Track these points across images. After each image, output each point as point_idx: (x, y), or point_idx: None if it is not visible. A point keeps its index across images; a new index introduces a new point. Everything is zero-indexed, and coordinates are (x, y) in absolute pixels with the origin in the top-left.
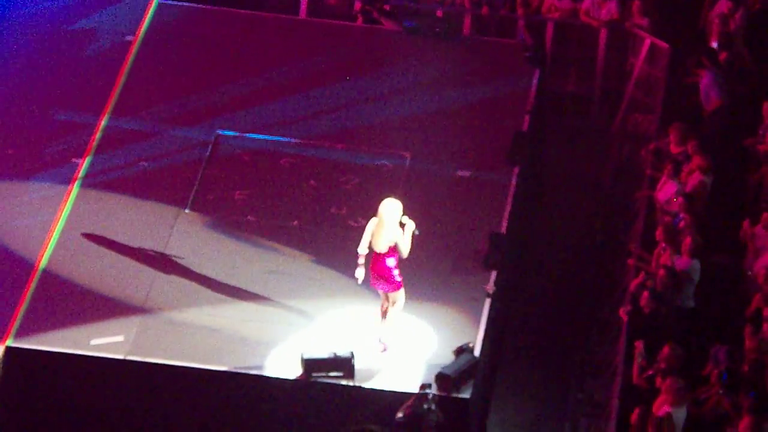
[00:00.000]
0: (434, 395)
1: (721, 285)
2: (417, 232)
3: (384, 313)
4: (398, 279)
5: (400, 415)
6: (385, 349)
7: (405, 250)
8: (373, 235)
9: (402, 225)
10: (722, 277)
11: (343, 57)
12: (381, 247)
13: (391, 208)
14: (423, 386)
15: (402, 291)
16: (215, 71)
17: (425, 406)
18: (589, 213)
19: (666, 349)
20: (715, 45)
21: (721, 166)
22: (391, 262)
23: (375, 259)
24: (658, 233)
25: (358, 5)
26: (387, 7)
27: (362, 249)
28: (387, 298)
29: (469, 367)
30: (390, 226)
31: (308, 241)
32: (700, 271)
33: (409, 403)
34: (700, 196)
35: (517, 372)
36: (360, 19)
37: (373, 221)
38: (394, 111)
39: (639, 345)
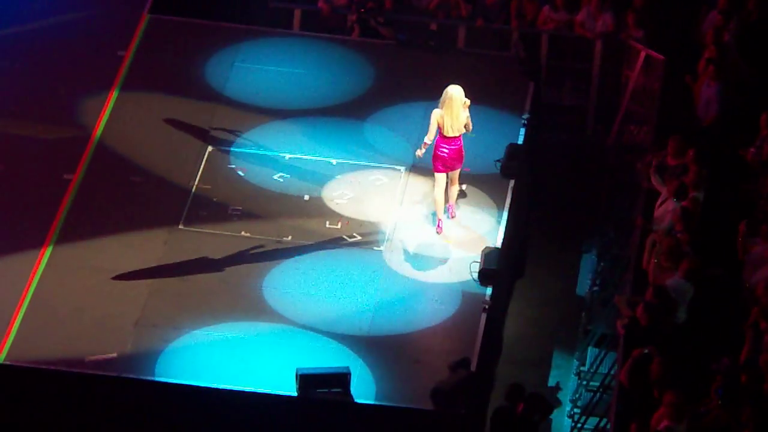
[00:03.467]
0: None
1: (718, 298)
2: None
3: (450, 195)
4: None
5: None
6: (454, 216)
7: (471, 126)
8: (443, 123)
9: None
10: (719, 289)
11: (337, 70)
12: (456, 131)
13: (460, 92)
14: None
15: None
16: (208, 86)
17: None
18: (585, 225)
19: (654, 364)
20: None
21: (717, 178)
22: (460, 141)
23: (449, 142)
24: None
25: (352, 17)
26: (381, 20)
27: (429, 138)
28: (450, 181)
29: (464, 383)
30: (463, 109)
31: (302, 256)
32: (691, 291)
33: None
34: (694, 212)
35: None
36: (356, 31)
37: (436, 112)
38: (388, 124)
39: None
